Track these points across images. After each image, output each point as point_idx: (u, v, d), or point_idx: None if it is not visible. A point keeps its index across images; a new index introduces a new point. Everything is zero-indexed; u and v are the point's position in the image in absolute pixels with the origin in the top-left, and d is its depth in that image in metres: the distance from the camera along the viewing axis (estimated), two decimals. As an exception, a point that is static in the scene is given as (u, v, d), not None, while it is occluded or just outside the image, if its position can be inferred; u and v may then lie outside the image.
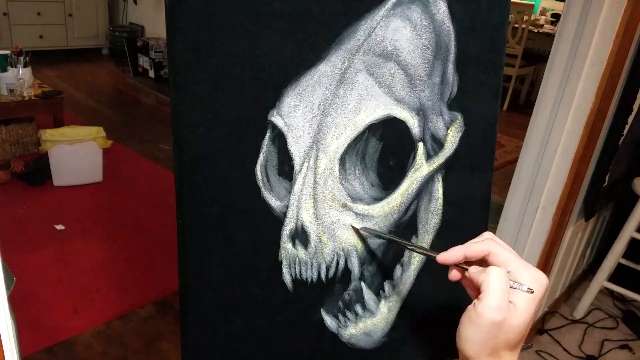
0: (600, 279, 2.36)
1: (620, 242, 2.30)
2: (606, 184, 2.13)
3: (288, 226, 0.61)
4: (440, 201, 0.68)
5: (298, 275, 0.63)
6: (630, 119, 2.03)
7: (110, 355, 1.90)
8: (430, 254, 0.55)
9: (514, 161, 2.26)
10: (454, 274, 0.54)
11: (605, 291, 2.54)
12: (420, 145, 0.65)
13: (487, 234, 0.53)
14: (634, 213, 2.23)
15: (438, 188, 0.67)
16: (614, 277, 2.43)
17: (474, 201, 0.72)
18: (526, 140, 1.86)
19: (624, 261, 2.44)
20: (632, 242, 2.32)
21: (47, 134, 2.85)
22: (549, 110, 1.77)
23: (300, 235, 0.62)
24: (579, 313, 2.42)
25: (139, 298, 2.20)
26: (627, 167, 2.36)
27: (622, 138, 2.04)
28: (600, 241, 2.75)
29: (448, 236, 0.69)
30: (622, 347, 2.25)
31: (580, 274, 2.67)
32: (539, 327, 2.29)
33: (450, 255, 0.52)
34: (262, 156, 0.59)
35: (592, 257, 2.76)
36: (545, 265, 1.97)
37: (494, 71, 0.68)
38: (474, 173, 0.70)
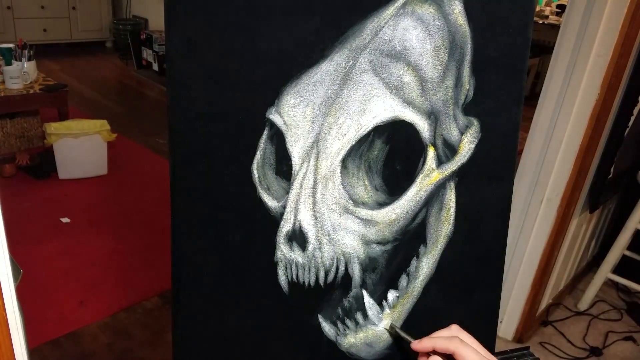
0: (605, 271, 2.35)
1: (625, 233, 2.29)
2: (611, 175, 2.12)
3: (285, 227, 0.60)
4: (452, 210, 0.64)
5: (294, 278, 0.61)
6: (635, 111, 2.02)
7: (117, 347, 1.91)
8: (409, 338, 0.60)
9: (519, 153, 2.25)
10: None
11: (609, 283, 2.53)
12: (431, 150, 0.61)
13: (454, 328, 0.58)
14: (639, 205, 2.22)
15: (450, 196, 0.64)
16: (618, 269, 2.42)
17: (491, 212, 0.67)
18: (531, 132, 1.85)
19: (628, 253, 2.43)
20: (637, 233, 2.31)
21: (52, 127, 2.86)
22: (554, 101, 1.76)
23: (298, 238, 0.60)
24: (583, 305, 2.41)
25: (144, 290, 2.21)
26: (633, 159, 2.35)
27: (627, 129, 2.03)
28: (604, 233, 2.74)
29: (461, 248, 0.66)
30: (627, 338, 2.25)
31: (585, 266, 2.67)
32: (543, 318, 2.29)
33: (420, 347, 0.58)
34: (259, 154, 0.58)
35: (597, 249, 2.76)
36: (549, 257, 1.97)
37: (516, 76, 0.63)
38: (492, 183, 0.66)
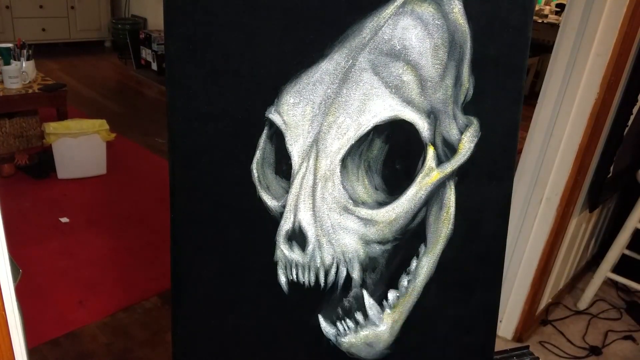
0: (604, 270, 2.35)
1: (625, 233, 2.29)
2: (611, 174, 2.12)
3: (285, 227, 0.60)
4: (452, 209, 0.64)
5: (294, 277, 0.61)
6: (635, 110, 2.02)
7: (116, 347, 1.91)
8: None
9: (519, 152, 2.25)
10: None
11: (609, 282, 2.53)
12: (430, 149, 0.61)
13: None
14: (639, 204, 2.22)
15: (450, 195, 0.64)
16: (618, 268, 2.42)
17: (491, 211, 0.67)
18: (530, 131, 1.85)
19: (628, 252, 2.43)
20: (636, 233, 2.31)
21: (51, 127, 2.86)
22: (553, 101, 1.76)
23: (298, 237, 0.60)
24: (582, 304, 2.41)
25: (144, 289, 2.21)
26: (632, 158, 2.35)
27: (626, 129, 2.03)
28: (604, 232, 2.74)
29: (461, 247, 0.66)
30: (626, 337, 2.25)
31: (584, 265, 2.67)
32: (543, 318, 2.29)
33: None
34: (258, 154, 0.58)
35: (596, 248, 2.76)
36: (549, 256, 1.97)
37: (515, 75, 0.63)
38: (492, 182, 0.66)
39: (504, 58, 0.63)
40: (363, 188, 0.61)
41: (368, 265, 0.62)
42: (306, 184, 0.59)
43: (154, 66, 5.20)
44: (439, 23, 0.58)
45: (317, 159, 0.58)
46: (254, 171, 0.58)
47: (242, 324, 0.62)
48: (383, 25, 0.57)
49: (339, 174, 0.59)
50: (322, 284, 0.62)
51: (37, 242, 2.44)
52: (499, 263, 0.70)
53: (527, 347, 0.88)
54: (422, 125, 0.60)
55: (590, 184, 2.09)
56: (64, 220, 2.64)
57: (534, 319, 2.19)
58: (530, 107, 1.78)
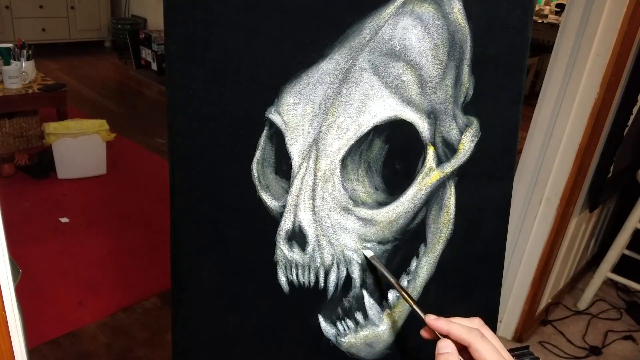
0: (604, 270, 2.35)
1: (625, 233, 2.29)
2: (611, 174, 2.12)
3: (285, 227, 0.60)
4: (452, 210, 0.64)
5: (294, 278, 0.61)
6: (635, 110, 2.02)
7: (116, 347, 1.91)
8: (420, 312, 0.54)
9: (518, 152, 2.25)
10: (425, 335, 0.53)
11: (609, 282, 2.53)
12: (430, 149, 0.62)
13: (477, 322, 0.52)
14: (639, 204, 2.22)
15: (450, 196, 0.64)
16: (617, 268, 2.42)
17: (490, 212, 0.67)
18: (530, 131, 1.85)
19: (628, 252, 2.43)
20: (636, 233, 2.31)
21: (51, 127, 2.86)
22: (553, 101, 1.76)
23: (298, 237, 0.60)
24: (582, 304, 2.41)
25: (144, 290, 2.21)
26: (632, 158, 2.35)
27: (626, 129, 2.03)
28: (604, 232, 2.74)
29: (461, 248, 0.66)
30: (626, 338, 2.25)
31: (584, 265, 2.67)
32: (543, 318, 2.30)
33: (436, 326, 0.52)
34: (258, 154, 0.58)
35: (596, 248, 2.76)
36: (549, 256, 1.97)
37: (515, 75, 0.64)
38: (491, 182, 0.66)
39: (504, 58, 0.63)
40: (363, 188, 0.61)
41: (368, 265, 0.62)
42: (306, 184, 0.59)
43: (154, 66, 5.20)
44: (439, 23, 0.58)
45: (317, 159, 0.58)
46: (254, 171, 0.58)
47: (242, 323, 0.62)
48: (383, 26, 0.57)
49: (339, 174, 0.59)
50: (322, 284, 0.62)
51: (37, 243, 2.44)
52: (499, 263, 0.70)
53: (527, 347, 0.88)
54: (422, 125, 0.60)
55: (590, 184, 2.09)
56: (64, 220, 2.64)
57: (534, 319, 2.19)
58: (530, 107, 1.78)
